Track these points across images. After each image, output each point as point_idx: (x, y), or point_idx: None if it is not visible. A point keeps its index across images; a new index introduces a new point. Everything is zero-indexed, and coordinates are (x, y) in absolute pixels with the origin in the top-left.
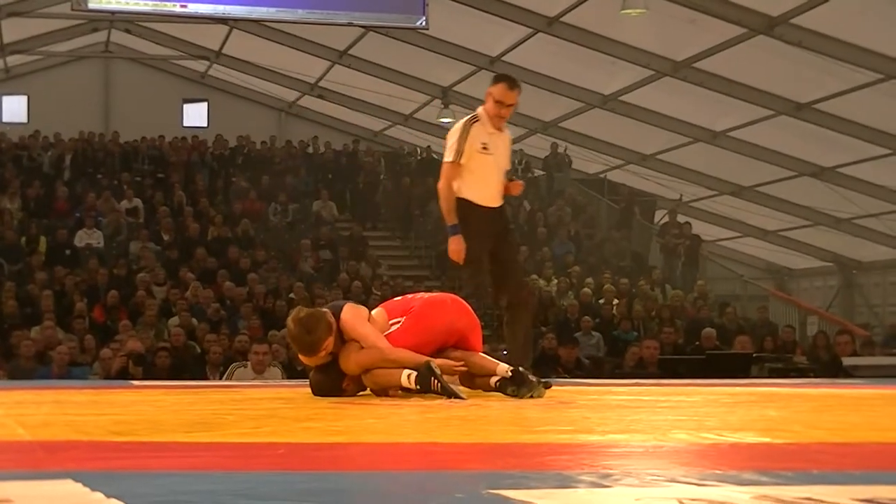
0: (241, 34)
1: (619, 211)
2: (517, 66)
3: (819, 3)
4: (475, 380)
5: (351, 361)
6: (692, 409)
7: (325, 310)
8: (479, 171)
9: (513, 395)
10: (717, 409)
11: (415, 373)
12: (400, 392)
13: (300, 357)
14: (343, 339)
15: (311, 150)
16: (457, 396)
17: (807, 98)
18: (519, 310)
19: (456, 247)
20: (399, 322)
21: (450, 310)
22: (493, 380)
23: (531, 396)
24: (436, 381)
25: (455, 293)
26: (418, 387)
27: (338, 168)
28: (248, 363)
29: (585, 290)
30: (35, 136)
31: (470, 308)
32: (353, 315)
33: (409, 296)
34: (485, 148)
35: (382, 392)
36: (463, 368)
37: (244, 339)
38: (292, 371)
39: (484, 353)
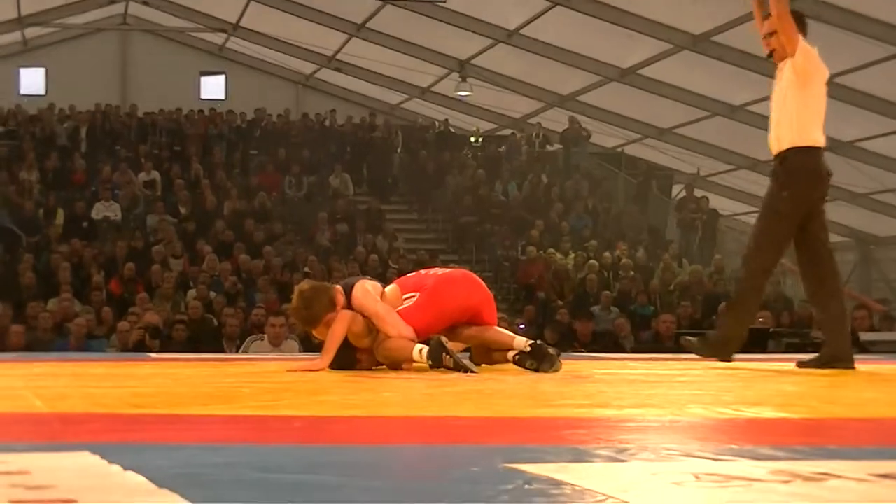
0: (258, 6)
1: (637, 185)
2: (535, 38)
3: None
4: (492, 354)
5: (356, 336)
6: (708, 384)
7: (331, 285)
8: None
9: (532, 369)
10: (733, 384)
11: (425, 347)
12: (413, 366)
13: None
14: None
15: (328, 123)
16: (469, 370)
17: None
18: None
19: None
20: (413, 297)
21: (462, 286)
22: (511, 353)
23: (553, 370)
24: (447, 356)
25: (471, 267)
26: (430, 362)
27: (355, 141)
28: (265, 336)
29: (593, 262)
30: (51, 108)
31: (482, 283)
32: (363, 293)
33: (423, 272)
34: None
35: (395, 366)
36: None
37: (260, 313)
38: (309, 344)
39: (499, 327)
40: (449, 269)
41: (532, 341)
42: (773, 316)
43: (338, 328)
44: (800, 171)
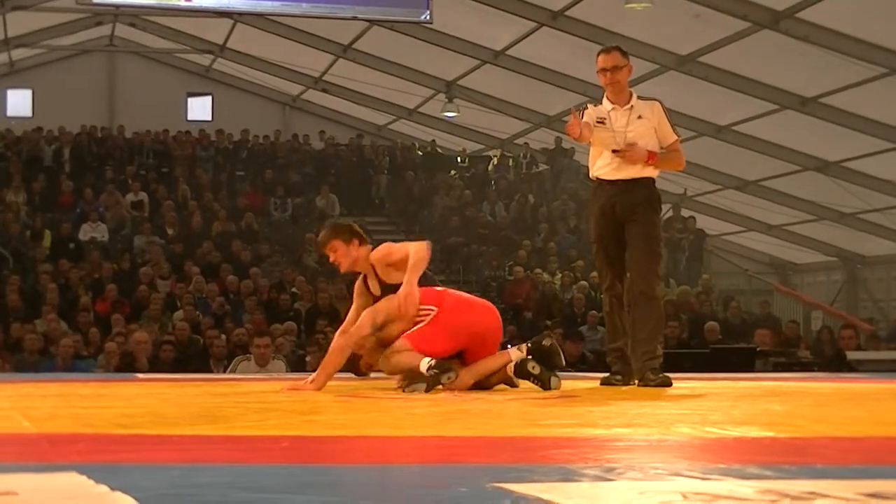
0: (245, 28)
1: None
2: (521, 59)
3: None
4: (491, 379)
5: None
6: (696, 403)
7: (356, 227)
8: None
9: (534, 375)
10: (720, 404)
11: (434, 361)
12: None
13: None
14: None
15: (314, 144)
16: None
17: (812, 92)
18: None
19: None
20: (431, 313)
21: (481, 313)
22: (510, 366)
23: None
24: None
25: (459, 288)
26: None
27: (341, 162)
28: (252, 356)
29: (583, 282)
30: (38, 130)
31: (496, 312)
32: (381, 256)
33: (439, 288)
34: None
35: (394, 374)
36: None
37: (242, 333)
38: (296, 364)
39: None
40: (466, 294)
41: (527, 345)
42: (760, 335)
43: (334, 359)
44: None
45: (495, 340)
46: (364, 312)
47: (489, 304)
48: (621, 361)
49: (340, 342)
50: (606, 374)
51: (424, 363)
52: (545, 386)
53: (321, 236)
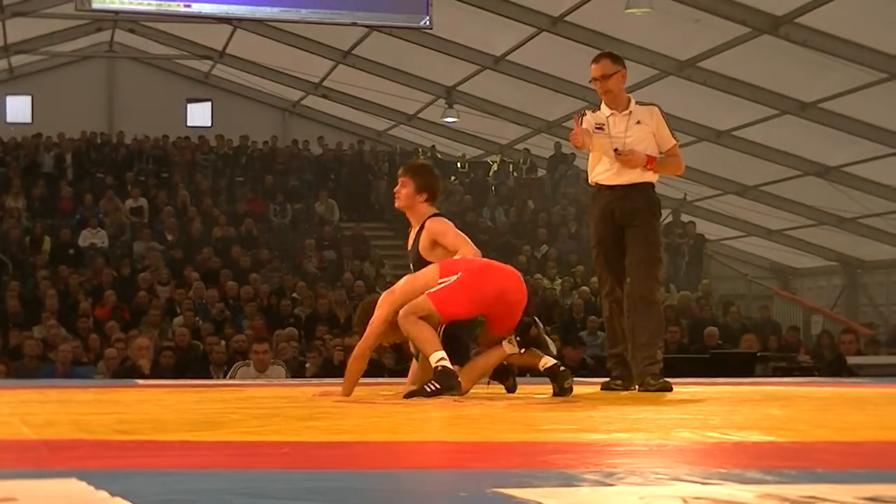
0: (244, 34)
1: None
2: (521, 65)
3: (824, 3)
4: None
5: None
6: (696, 408)
7: (438, 185)
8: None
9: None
10: (721, 408)
11: (444, 361)
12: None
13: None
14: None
15: (313, 149)
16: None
17: (811, 97)
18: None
19: None
20: (454, 277)
21: (505, 278)
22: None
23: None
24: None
25: None
26: (434, 385)
27: (341, 168)
28: (251, 362)
29: (584, 288)
30: (37, 136)
31: (522, 281)
32: (434, 229)
33: (471, 258)
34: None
35: (404, 342)
36: None
37: (242, 339)
38: (297, 369)
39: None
40: (492, 261)
41: (516, 338)
42: (760, 340)
43: (356, 366)
44: None
45: (519, 307)
46: (379, 301)
47: (514, 270)
48: (621, 367)
49: (359, 350)
50: (607, 380)
51: (435, 357)
52: (561, 390)
53: (406, 165)
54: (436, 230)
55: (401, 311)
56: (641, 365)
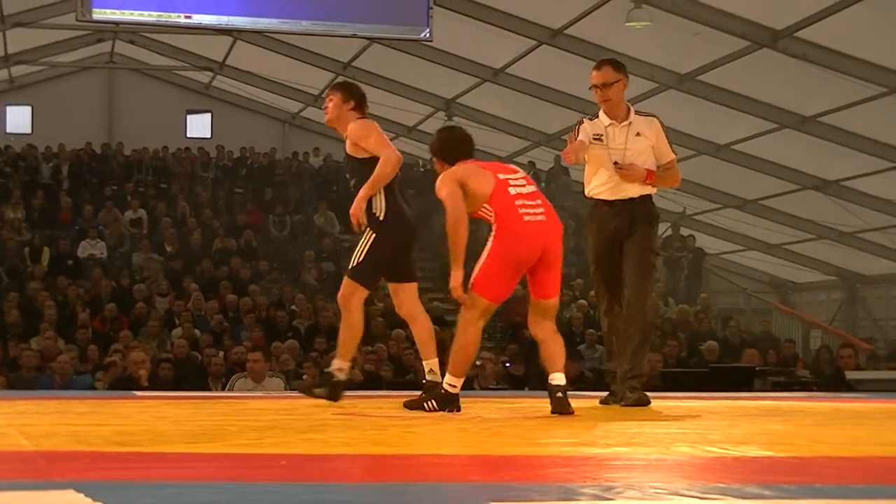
0: (244, 45)
1: None
2: (521, 77)
3: (824, 17)
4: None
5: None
6: (695, 423)
7: (363, 95)
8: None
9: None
10: (719, 423)
11: (445, 391)
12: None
13: None
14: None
15: (313, 161)
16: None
17: (811, 111)
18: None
19: None
20: (490, 217)
21: (535, 237)
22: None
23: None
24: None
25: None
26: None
27: (340, 179)
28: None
29: (582, 301)
30: (33, 147)
31: (551, 229)
32: (356, 130)
33: (502, 176)
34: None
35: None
36: None
37: (241, 351)
38: (297, 380)
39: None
40: (532, 209)
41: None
42: (759, 354)
43: (460, 236)
44: None
45: (556, 260)
46: (439, 185)
47: (542, 223)
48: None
49: (456, 214)
50: (606, 394)
51: (449, 379)
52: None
53: (332, 85)
54: (357, 133)
55: (463, 316)
56: (624, 376)
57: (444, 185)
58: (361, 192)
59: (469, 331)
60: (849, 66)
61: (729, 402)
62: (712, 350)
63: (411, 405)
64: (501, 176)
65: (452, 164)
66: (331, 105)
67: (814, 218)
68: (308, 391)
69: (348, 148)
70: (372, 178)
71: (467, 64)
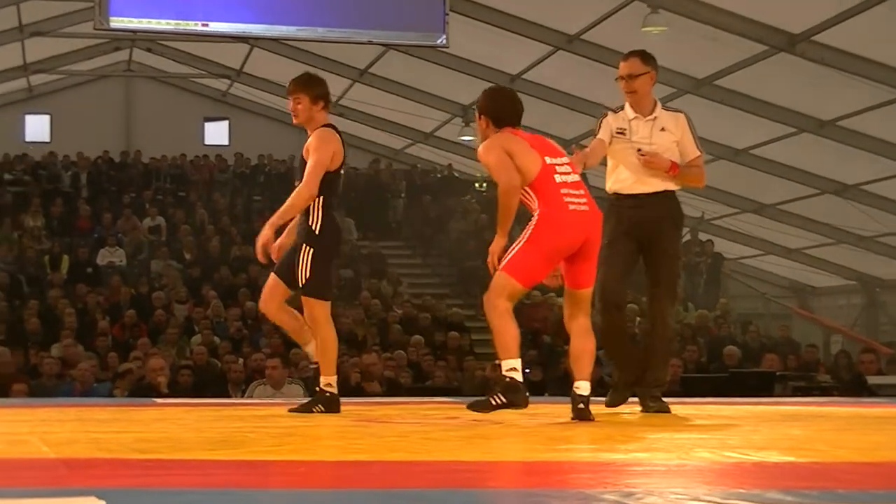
0: (261, 53)
1: None
2: (537, 83)
3: (841, 20)
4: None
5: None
6: (715, 428)
7: (328, 90)
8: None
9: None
10: (740, 428)
11: (517, 370)
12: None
13: None
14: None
15: None
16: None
17: (829, 115)
18: None
19: None
20: (533, 202)
21: (574, 230)
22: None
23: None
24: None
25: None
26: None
27: (357, 186)
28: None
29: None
30: (54, 154)
31: (591, 219)
32: (312, 142)
33: (549, 161)
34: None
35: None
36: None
37: (260, 358)
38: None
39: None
40: (577, 198)
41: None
42: (779, 359)
43: (514, 204)
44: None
45: (595, 250)
46: (482, 154)
47: (585, 213)
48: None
49: (506, 186)
50: (609, 395)
51: (507, 365)
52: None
53: (295, 81)
54: (314, 144)
55: (487, 297)
56: (647, 384)
57: (491, 152)
58: (272, 220)
59: (505, 318)
60: (867, 69)
61: (749, 407)
62: (732, 355)
63: (475, 407)
64: (549, 160)
65: (497, 125)
66: (300, 107)
67: (833, 222)
68: (306, 411)
69: (304, 152)
70: (285, 206)
71: (484, 70)
